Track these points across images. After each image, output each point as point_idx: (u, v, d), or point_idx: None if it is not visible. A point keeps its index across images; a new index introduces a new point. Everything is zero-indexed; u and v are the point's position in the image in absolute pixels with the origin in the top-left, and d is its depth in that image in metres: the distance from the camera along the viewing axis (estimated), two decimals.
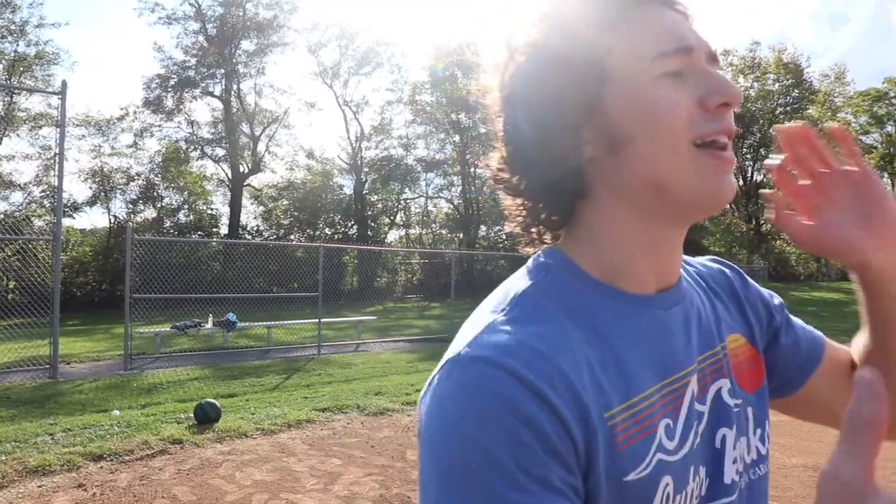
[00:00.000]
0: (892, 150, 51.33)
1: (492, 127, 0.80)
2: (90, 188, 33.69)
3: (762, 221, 46.13)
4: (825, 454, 5.91)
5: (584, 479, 0.65)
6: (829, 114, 45.30)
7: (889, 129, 51.61)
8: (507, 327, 0.69)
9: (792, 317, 0.96)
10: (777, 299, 0.96)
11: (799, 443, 6.53)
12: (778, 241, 50.92)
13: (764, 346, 0.91)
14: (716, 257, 0.98)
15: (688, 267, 0.92)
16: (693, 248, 42.28)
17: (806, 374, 0.93)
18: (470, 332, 0.71)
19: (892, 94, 50.74)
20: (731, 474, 0.78)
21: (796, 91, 44.42)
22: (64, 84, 10.02)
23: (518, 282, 0.78)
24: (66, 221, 31.96)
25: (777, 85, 44.96)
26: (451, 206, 43.19)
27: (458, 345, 0.70)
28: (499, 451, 0.61)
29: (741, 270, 0.95)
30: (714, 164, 0.71)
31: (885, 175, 52.26)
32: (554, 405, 0.64)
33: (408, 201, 43.50)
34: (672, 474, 0.71)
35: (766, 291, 0.96)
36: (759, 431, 0.84)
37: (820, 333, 0.97)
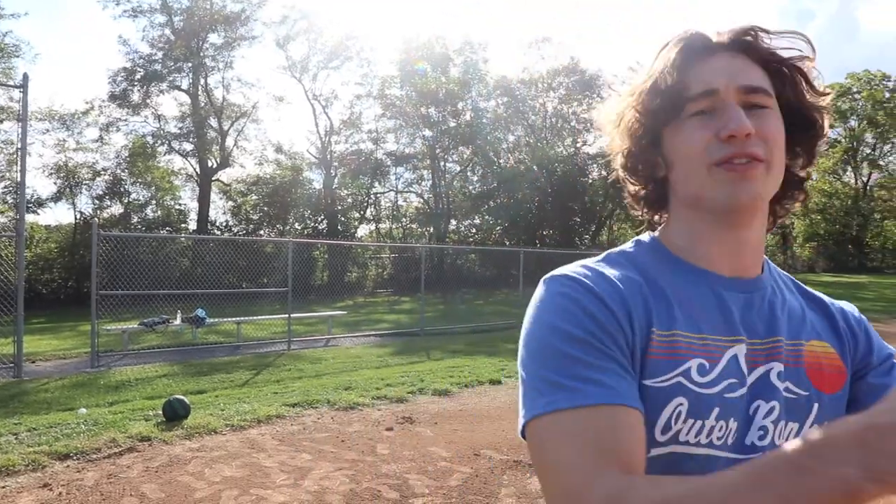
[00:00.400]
0: (854, 143, 52.28)
1: (613, 158, 1.07)
2: (55, 183, 33.10)
3: None
4: None
5: (632, 354, 0.88)
6: None
7: (852, 123, 52.56)
8: (589, 265, 0.97)
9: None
10: (888, 349, 1.05)
11: None
12: None
13: (853, 372, 1.02)
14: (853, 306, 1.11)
15: (789, 281, 1.09)
16: None
17: None
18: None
19: (855, 90, 51.69)
20: (753, 438, 0.92)
21: None
22: (25, 77, 9.84)
23: (615, 248, 1.06)
24: (29, 217, 31.42)
25: None
26: (422, 201, 43.15)
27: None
28: (566, 326, 0.87)
29: (864, 317, 1.09)
30: (727, 175, 0.91)
31: (849, 168, 53.25)
32: (611, 308, 0.89)
33: (378, 196, 43.34)
34: (689, 400, 0.89)
35: (880, 340, 1.06)
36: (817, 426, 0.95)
37: None
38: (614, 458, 0.78)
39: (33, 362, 11.34)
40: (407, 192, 43.62)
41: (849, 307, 1.08)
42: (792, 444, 0.61)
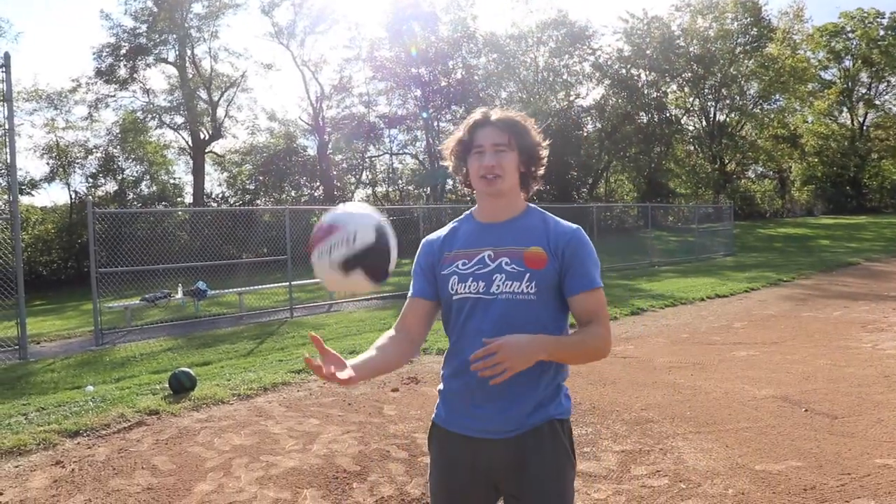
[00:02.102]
0: (849, 83, 51.77)
1: (453, 171, 2.16)
2: (47, 164, 33.02)
3: (726, 161, 46.45)
4: (793, 384, 6.01)
5: (434, 271, 2.12)
6: (788, 51, 45.41)
7: (847, 63, 51.98)
8: (444, 229, 2.20)
9: (582, 267, 1.99)
10: (578, 262, 2.00)
11: (768, 374, 6.68)
12: (742, 181, 51.41)
13: (561, 262, 1.98)
14: (573, 227, 2.08)
15: (549, 219, 2.09)
16: (658, 190, 42.56)
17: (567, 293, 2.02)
18: None
19: (848, 29, 51.01)
20: (492, 288, 1.96)
21: (755, 30, 44.37)
22: (7, 56, 9.71)
23: (464, 213, 2.21)
24: (24, 199, 31.32)
25: (736, 24, 44.86)
26: (417, 162, 42.99)
27: None
28: (415, 261, 2.19)
29: (574, 236, 2.03)
30: (485, 184, 2.01)
31: (845, 109, 52.79)
32: (427, 252, 2.16)
33: (372, 159, 43.22)
34: (458, 276, 2.02)
35: (581, 254, 2.02)
36: (529, 283, 1.94)
37: (586, 285, 1.99)
38: (401, 319, 2.14)
39: (38, 343, 11.38)
40: (402, 153, 43.48)
41: (565, 233, 2.02)
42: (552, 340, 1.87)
